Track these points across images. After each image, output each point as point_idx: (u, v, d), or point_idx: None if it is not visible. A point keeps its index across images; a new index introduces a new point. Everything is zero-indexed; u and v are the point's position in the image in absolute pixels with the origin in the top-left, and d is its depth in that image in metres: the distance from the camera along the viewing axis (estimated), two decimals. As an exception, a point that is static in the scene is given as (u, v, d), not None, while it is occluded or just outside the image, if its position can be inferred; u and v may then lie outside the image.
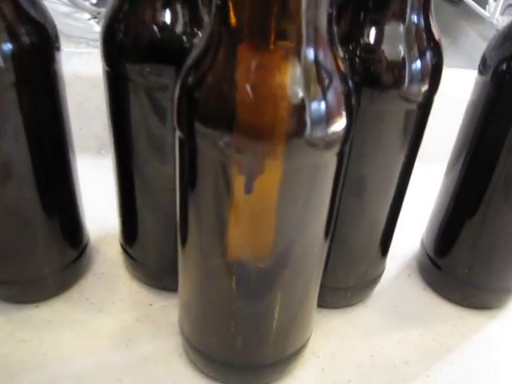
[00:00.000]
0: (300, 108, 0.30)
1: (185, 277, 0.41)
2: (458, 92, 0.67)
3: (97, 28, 0.83)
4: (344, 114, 0.32)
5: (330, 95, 0.31)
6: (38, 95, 0.42)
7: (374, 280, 0.52)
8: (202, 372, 0.44)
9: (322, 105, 0.31)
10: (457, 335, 0.51)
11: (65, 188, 0.47)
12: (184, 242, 0.38)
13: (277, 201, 0.33)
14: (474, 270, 0.52)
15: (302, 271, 0.39)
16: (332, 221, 0.37)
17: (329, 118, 0.31)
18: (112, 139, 0.45)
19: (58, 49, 0.42)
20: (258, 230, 0.35)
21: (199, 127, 0.31)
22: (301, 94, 0.30)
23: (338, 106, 0.31)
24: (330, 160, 0.33)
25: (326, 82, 0.31)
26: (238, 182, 0.32)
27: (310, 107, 0.30)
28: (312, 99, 0.30)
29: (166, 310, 0.50)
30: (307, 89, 0.30)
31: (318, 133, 0.31)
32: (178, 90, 0.32)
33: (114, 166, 0.47)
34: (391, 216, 0.47)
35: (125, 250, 0.52)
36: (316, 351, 0.47)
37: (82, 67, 0.70)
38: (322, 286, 0.42)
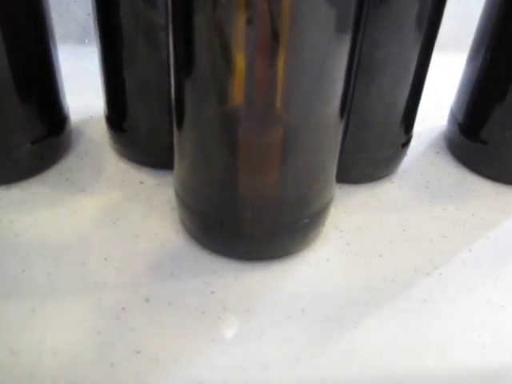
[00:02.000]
0: None
1: (184, 138, 0.35)
2: None
3: None
4: None
5: None
6: None
7: (399, 151, 0.45)
8: (203, 248, 0.36)
9: None
10: (498, 211, 0.44)
11: (36, 60, 0.42)
12: (180, 94, 0.32)
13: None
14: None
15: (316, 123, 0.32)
16: (353, 67, 0.31)
17: None
18: (96, 15, 0.40)
19: None
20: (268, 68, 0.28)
21: None
22: None
23: None
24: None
25: None
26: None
27: None
28: None
29: (159, 188, 0.42)
30: None
31: None
32: None
33: (97, 38, 0.41)
34: (413, 93, 0.42)
35: (112, 124, 0.45)
36: (339, 226, 0.39)
37: None
38: (341, 155, 0.36)
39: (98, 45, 0.41)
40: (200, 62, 0.29)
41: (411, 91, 0.42)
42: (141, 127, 0.43)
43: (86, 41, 0.63)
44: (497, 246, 0.40)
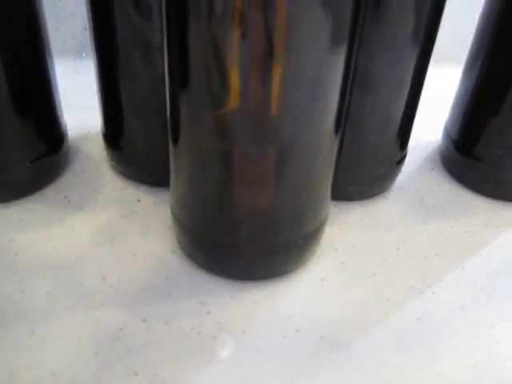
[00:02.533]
0: None
1: (179, 157, 0.35)
2: None
3: None
4: None
5: None
6: None
7: (394, 168, 0.46)
8: (199, 267, 0.36)
9: None
10: (492, 227, 0.44)
11: (36, 79, 0.42)
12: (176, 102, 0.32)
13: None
14: (509, 150, 0.45)
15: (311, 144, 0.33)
16: (349, 77, 0.32)
17: None
18: (92, 32, 0.40)
19: None
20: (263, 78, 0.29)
21: None
22: None
23: None
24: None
25: None
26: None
27: None
28: None
29: (157, 206, 0.42)
30: None
31: None
32: None
33: (94, 55, 0.42)
34: (408, 109, 0.43)
35: (109, 142, 0.45)
36: (333, 244, 0.40)
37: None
38: (336, 173, 0.36)
39: (95, 62, 0.42)
40: (194, 77, 0.30)
41: (407, 106, 0.42)
42: (138, 145, 0.44)
43: (84, 54, 0.64)
44: (489, 264, 0.41)
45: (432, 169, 0.50)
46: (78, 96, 0.53)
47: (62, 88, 0.45)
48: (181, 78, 0.30)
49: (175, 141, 0.33)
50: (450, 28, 0.67)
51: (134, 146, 0.44)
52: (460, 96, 0.47)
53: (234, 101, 0.30)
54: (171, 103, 0.32)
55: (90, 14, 0.39)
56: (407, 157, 0.46)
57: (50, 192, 0.44)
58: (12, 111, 0.40)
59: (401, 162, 0.45)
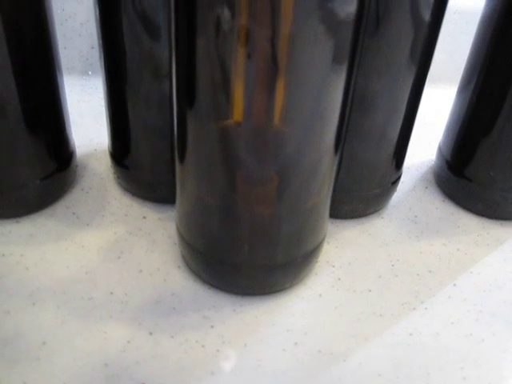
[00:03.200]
0: None
1: (185, 177, 0.36)
2: (467, 8, 0.66)
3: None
4: None
5: None
6: (22, 9, 0.38)
7: (389, 188, 0.48)
8: (203, 282, 0.39)
9: None
10: (483, 245, 0.46)
11: (46, 98, 0.44)
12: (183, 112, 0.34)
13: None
14: (499, 172, 0.47)
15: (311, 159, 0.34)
16: (349, 99, 0.33)
17: None
18: (102, 49, 0.42)
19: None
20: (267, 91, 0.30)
21: None
22: None
23: None
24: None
25: None
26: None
27: None
28: None
29: (162, 223, 0.44)
30: None
31: None
32: None
33: (103, 74, 0.43)
34: (403, 129, 0.44)
35: (116, 160, 0.47)
36: (331, 261, 0.42)
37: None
38: (334, 193, 0.38)
39: (103, 81, 0.43)
40: (201, 96, 0.31)
41: (402, 127, 0.43)
42: (144, 164, 0.45)
43: (90, 72, 0.66)
44: (480, 281, 0.43)
45: (426, 188, 0.52)
46: (84, 113, 0.56)
47: (68, 105, 0.47)
48: (188, 96, 0.32)
49: (181, 159, 0.35)
50: (445, 50, 0.69)
51: (140, 165, 0.45)
52: (453, 119, 0.49)
53: (239, 119, 0.31)
54: (178, 121, 0.34)
55: (99, 33, 0.41)
56: (402, 175, 0.48)
57: (59, 208, 0.46)
58: (24, 130, 0.42)
59: (396, 182, 0.47)
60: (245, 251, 0.36)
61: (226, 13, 0.27)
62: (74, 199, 0.46)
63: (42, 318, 0.36)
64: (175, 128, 0.34)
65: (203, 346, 0.35)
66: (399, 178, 0.47)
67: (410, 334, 0.37)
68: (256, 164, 0.33)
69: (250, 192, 0.34)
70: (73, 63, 0.66)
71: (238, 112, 0.31)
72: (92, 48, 0.65)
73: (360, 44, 0.31)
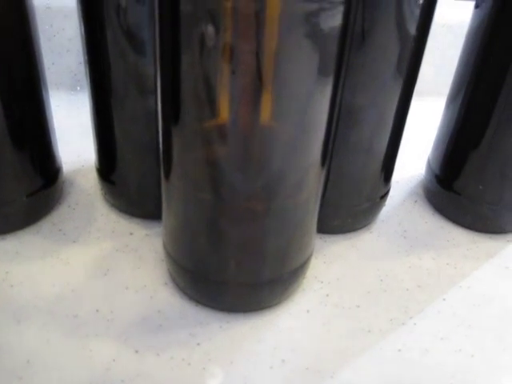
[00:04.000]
0: None
1: (170, 197, 0.36)
2: (455, 21, 0.67)
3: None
4: None
5: None
6: (7, 25, 0.38)
7: (378, 203, 0.47)
8: (190, 299, 0.38)
9: None
10: (472, 259, 0.46)
11: (32, 114, 0.44)
12: (168, 138, 0.34)
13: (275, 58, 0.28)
14: (488, 186, 0.47)
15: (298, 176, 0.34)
16: (335, 113, 0.33)
17: None
18: (87, 64, 0.42)
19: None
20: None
21: None
22: None
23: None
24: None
25: None
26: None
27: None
28: None
29: (148, 239, 0.44)
30: None
31: None
32: None
33: (89, 89, 0.43)
34: (391, 143, 0.44)
35: (102, 176, 0.46)
36: (319, 277, 0.42)
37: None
38: (321, 207, 0.38)
39: (89, 98, 0.44)
40: (185, 111, 0.31)
41: (390, 141, 0.44)
42: (130, 180, 0.45)
43: (78, 88, 0.66)
44: (469, 295, 0.42)
45: (415, 201, 0.52)
46: (72, 129, 0.56)
47: (56, 121, 0.47)
48: (172, 111, 0.32)
49: (166, 176, 0.35)
50: (433, 63, 0.69)
51: (127, 181, 0.45)
52: (441, 132, 0.49)
53: (224, 134, 0.31)
54: (163, 137, 0.34)
55: (84, 49, 0.41)
56: (392, 189, 0.48)
57: (45, 224, 0.45)
58: (10, 147, 0.42)
59: (385, 196, 0.46)
60: (231, 268, 0.35)
61: (209, 30, 0.27)
62: (60, 215, 0.46)
63: (27, 336, 0.36)
64: (160, 144, 0.34)
65: (189, 364, 0.34)
66: (388, 192, 0.47)
67: (399, 350, 0.37)
68: (242, 179, 0.32)
69: (236, 208, 0.33)
70: (61, 79, 0.66)
71: (222, 127, 0.31)
72: (80, 63, 0.65)
73: (345, 58, 0.31)
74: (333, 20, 0.28)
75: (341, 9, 0.28)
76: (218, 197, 0.33)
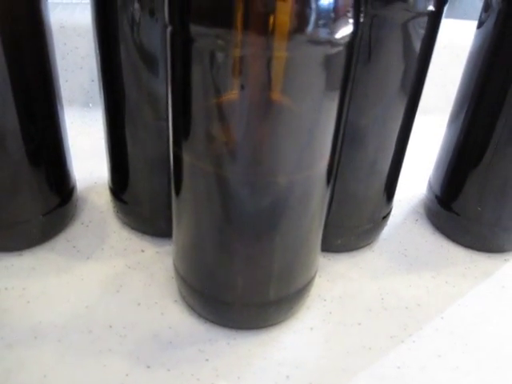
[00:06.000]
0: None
1: (180, 218, 0.38)
2: (457, 42, 0.68)
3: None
4: (352, 12, 0.29)
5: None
6: (25, 43, 0.39)
7: (380, 222, 0.49)
8: (199, 316, 0.40)
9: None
10: (470, 278, 0.48)
11: (49, 134, 0.45)
12: (178, 161, 0.35)
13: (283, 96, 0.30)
14: (486, 207, 0.49)
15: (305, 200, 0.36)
16: (339, 137, 0.34)
17: (337, 12, 0.28)
18: (102, 85, 0.43)
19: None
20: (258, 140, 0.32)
21: (195, 25, 0.28)
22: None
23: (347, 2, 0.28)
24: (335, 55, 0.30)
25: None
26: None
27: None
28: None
29: (159, 257, 0.46)
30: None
31: (324, 29, 0.28)
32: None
33: (103, 110, 0.44)
34: (394, 163, 0.45)
35: (115, 195, 0.48)
36: (322, 295, 0.43)
37: (67, 17, 0.66)
38: (325, 228, 0.39)
39: (103, 117, 0.45)
40: (195, 132, 0.32)
41: (394, 159, 0.45)
42: (143, 199, 0.47)
43: (90, 105, 0.68)
44: (466, 314, 0.44)
45: (416, 220, 0.54)
46: (84, 145, 0.58)
47: (69, 138, 0.48)
48: (183, 132, 0.33)
49: (177, 196, 0.37)
50: (435, 83, 0.71)
51: (139, 200, 0.47)
52: (441, 154, 0.51)
53: (232, 155, 0.33)
54: (174, 157, 0.35)
55: (99, 67, 0.42)
56: (394, 208, 0.50)
57: (60, 241, 0.47)
58: (28, 167, 0.43)
59: (387, 216, 0.48)
60: (238, 289, 0.37)
61: (219, 46, 0.28)
62: (74, 232, 0.48)
63: (43, 352, 0.38)
64: (171, 164, 0.36)
65: (198, 379, 0.36)
66: (390, 212, 0.49)
67: (398, 367, 0.39)
68: (249, 199, 0.34)
69: (244, 229, 0.35)
70: (74, 96, 0.68)
71: (230, 147, 0.32)
72: (92, 81, 0.67)
73: (351, 79, 0.32)
74: (336, 62, 0.30)
75: (344, 51, 0.30)
76: (225, 218, 0.35)
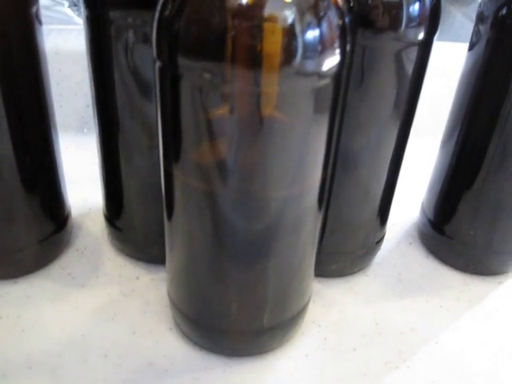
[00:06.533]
0: (293, 35, 0.27)
1: (173, 245, 0.38)
2: (449, 64, 0.68)
3: (76, 19, 0.79)
4: (338, 44, 0.29)
5: (325, 24, 0.29)
6: (19, 69, 0.40)
7: (374, 247, 0.49)
8: (194, 344, 0.40)
9: (317, 32, 0.28)
10: (464, 301, 0.48)
11: (44, 161, 0.45)
12: (170, 199, 0.36)
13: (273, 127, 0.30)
14: (479, 231, 0.49)
15: (296, 229, 0.36)
16: (330, 162, 0.34)
17: (323, 45, 0.29)
18: (96, 112, 0.43)
19: (40, 22, 0.40)
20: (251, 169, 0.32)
21: (183, 60, 0.29)
22: (293, 20, 0.27)
23: (333, 35, 0.29)
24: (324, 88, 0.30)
25: (322, 10, 0.28)
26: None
27: (303, 34, 0.28)
28: (306, 26, 0.28)
29: (154, 284, 0.46)
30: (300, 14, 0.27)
31: (311, 62, 0.29)
32: (156, 19, 0.29)
33: (97, 137, 0.45)
34: (387, 187, 0.45)
35: (110, 222, 0.48)
36: (317, 321, 0.44)
37: (61, 43, 0.67)
38: (319, 254, 0.40)
39: (97, 143, 0.45)
40: (184, 157, 0.33)
41: (387, 184, 0.45)
42: (137, 227, 0.47)
43: (85, 130, 0.68)
44: (461, 338, 0.45)
45: (410, 243, 0.54)
46: (79, 171, 0.58)
47: (64, 163, 0.48)
48: (173, 157, 0.33)
49: (169, 219, 0.37)
50: (427, 106, 0.71)
51: (134, 227, 0.47)
52: (434, 179, 0.52)
53: (222, 182, 0.33)
54: (165, 184, 0.36)
55: (93, 93, 0.42)
56: (387, 231, 0.51)
57: (55, 268, 0.48)
58: (22, 194, 0.43)
59: (380, 241, 0.49)
60: (232, 317, 0.37)
61: (211, 81, 0.29)
62: (69, 260, 0.48)
63: (38, 381, 0.38)
64: (163, 190, 0.36)
65: (193, 409, 0.36)
66: (383, 236, 0.49)
67: (393, 394, 0.38)
68: (241, 222, 0.34)
69: (236, 253, 0.36)
70: (68, 121, 0.68)
71: (221, 174, 0.32)
72: (87, 106, 0.67)
73: (342, 102, 0.33)
74: (325, 94, 0.30)
75: (331, 81, 0.30)
76: (217, 242, 0.35)
